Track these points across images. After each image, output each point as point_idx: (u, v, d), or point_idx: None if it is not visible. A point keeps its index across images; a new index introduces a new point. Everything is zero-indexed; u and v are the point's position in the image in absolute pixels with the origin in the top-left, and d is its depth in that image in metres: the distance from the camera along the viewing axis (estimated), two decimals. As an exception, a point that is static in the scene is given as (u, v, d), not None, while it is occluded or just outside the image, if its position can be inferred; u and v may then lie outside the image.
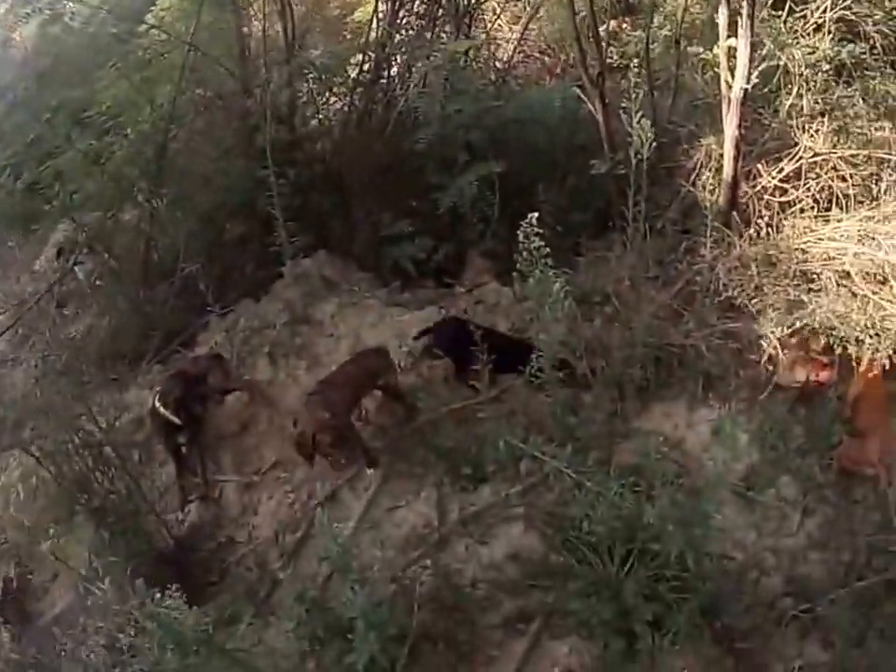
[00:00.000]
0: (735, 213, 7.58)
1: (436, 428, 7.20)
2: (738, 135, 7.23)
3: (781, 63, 7.75)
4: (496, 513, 6.63)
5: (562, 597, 6.13)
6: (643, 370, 7.10)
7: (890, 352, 6.77)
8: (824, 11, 8.05)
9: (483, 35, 10.47)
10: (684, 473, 6.63)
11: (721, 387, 7.06)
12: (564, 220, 8.47)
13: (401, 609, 6.07)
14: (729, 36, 7.05)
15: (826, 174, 7.62)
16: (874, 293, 6.98)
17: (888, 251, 7.06)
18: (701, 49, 8.01)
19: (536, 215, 6.04)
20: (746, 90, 7.05)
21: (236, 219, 9.47)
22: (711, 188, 7.79)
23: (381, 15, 9.59)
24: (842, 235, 7.27)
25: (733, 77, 7.10)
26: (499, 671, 6.04)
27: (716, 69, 7.44)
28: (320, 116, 9.83)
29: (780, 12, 8.04)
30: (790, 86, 7.89)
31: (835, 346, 6.83)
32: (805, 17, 8.12)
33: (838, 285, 7.10)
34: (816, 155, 7.66)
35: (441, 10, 9.98)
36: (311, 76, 9.49)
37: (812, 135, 7.72)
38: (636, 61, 7.17)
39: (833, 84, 7.99)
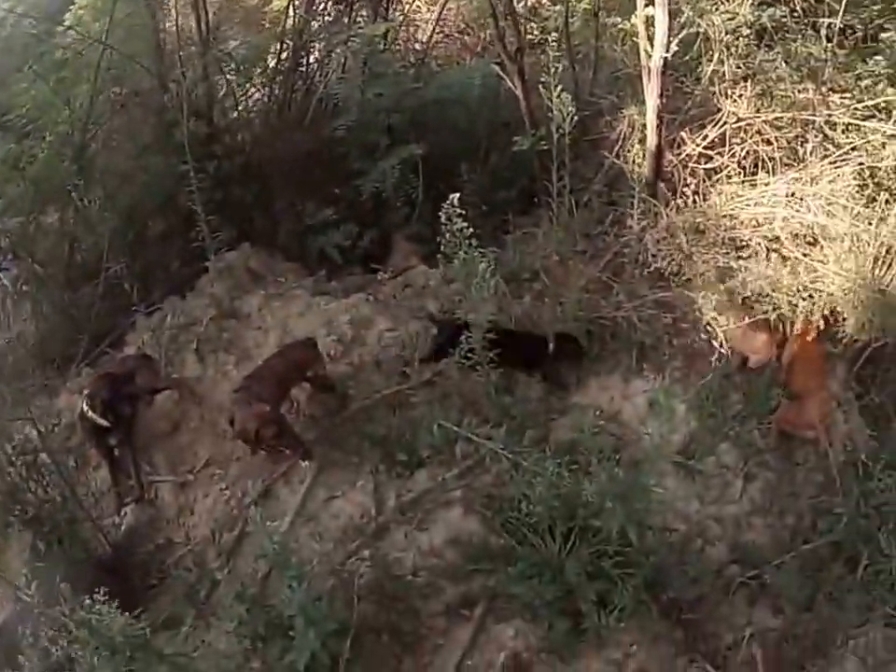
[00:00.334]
0: (660, 182, 7.52)
1: (369, 416, 7.07)
2: (660, 104, 7.14)
3: (701, 29, 7.68)
4: (433, 499, 6.52)
5: (504, 580, 6.05)
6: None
7: (825, 313, 6.77)
8: (743, -24, 8.00)
9: (401, 17, 10.33)
10: (622, 447, 6.59)
11: (656, 358, 7.03)
12: (489, 199, 8.38)
13: (341, 602, 5.98)
14: (647, 5, 6.94)
15: (751, 138, 7.59)
16: (804, 255, 6.98)
17: (816, 212, 7.04)
18: (619, 20, 7.97)
19: (457, 196, 5.96)
20: (666, 58, 6.96)
21: (158, 216, 9.27)
22: (636, 158, 7.71)
23: (297, 2, 9.39)
24: (769, 199, 7.25)
25: (652, 46, 7.00)
26: (445, 659, 5.96)
27: (635, 39, 7.33)
28: (239, 107, 9.61)
29: (698, -22, 7.98)
30: (711, 52, 7.83)
31: (768, 311, 6.82)
32: (723, -18, 8.07)
33: (768, 250, 7.09)
34: (740, 120, 7.61)
35: (357, -6, 9.82)
36: (229, 67, 9.28)
37: (735, 101, 7.68)
38: (554, 35, 7.05)
39: (755, 48, 7.93)
